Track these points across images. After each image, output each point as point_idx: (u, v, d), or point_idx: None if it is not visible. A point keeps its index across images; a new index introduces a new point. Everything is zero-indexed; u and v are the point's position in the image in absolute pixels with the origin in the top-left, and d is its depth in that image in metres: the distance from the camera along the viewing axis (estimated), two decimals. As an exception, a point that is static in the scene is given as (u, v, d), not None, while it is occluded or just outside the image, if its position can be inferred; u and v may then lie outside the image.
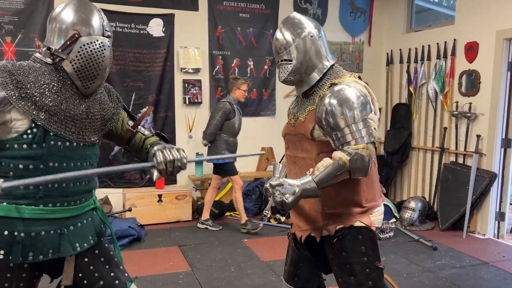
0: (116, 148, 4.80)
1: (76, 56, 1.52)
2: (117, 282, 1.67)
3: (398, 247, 4.09)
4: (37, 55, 1.56)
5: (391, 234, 4.32)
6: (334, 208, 1.75)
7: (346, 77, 1.75)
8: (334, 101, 1.66)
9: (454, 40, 4.77)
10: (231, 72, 5.23)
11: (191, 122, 5.10)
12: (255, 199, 5.02)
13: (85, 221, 1.63)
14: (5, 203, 1.46)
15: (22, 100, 1.45)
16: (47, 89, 1.50)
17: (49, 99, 1.49)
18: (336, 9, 5.64)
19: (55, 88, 1.51)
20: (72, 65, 1.52)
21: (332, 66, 1.79)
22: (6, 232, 1.45)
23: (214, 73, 5.17)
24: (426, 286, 3.25)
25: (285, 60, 1.76)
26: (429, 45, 5.12)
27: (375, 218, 1.78)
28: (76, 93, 1.56)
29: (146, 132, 1.81)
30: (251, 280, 3.28)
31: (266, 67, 5.38)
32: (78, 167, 1.57)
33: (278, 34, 1.78)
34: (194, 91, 5.08)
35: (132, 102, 4.80)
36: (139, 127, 1.80)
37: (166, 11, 4.87)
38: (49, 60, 1.53)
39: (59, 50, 1.51)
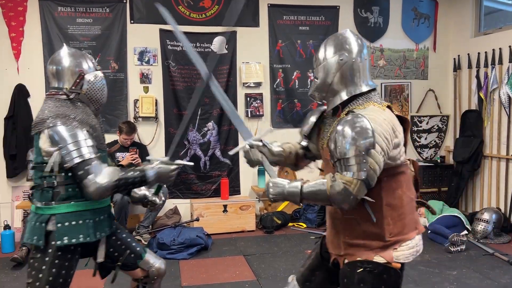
0: (184, 161, 5.05)
1: (87, 88, 2.05)
2: (138, 249, 2.25)
3: (470, 261, 3.90)
4: (60, 96, 2.05)
5: (463, 247, 4.12)
6: (354, 239, 1.71)
7: (369, 105, 1.66)
8: (340, 128, 1.59)
9: (529, 41, 4.50)
10: (292, 85, 5.31)
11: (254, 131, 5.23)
12: (317, 210, 5.01)
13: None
14: (72, 202, 1.96)
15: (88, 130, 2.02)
16: (88, 118, 2.04)
17: (93, 123, 2.05)
18: (398, 17, 5.54)
19: (89, 114, 2.06)
20: (87, 95, 2.06)
21: (365, 92, 1.70)
22: (80, 221, 1.96)
23: (275, 86, 5.28)
24: (502, 304, 3.08)
25: (315, 77, 1.79)
26: (500, 48, 4.86)
27: (401, 253, 1.68)
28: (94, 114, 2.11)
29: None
30: (315, 291, 3.29)
31: (326, 78, 5.39)
32: None
33: (318, 51, 1.79)
34: (256, 105, 5.21)
35: (198, 117, 5.04)
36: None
37: (228, 29, 5.07)
38: (71, 96, 2.03)
39: (73, 88, 2.04)
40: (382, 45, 5.53)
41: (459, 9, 5.52)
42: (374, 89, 1.74)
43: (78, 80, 2.05)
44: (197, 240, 4.14)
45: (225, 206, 4.82)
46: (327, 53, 1.73)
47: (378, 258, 1.67)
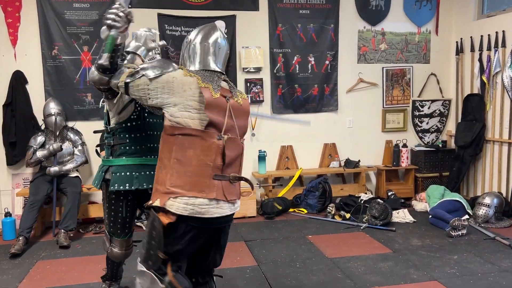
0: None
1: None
2: None
3: (471, 245, 3.90)
4: None
5: (464, 231, 4.12)
6: (155, 184, 2.01)
7: (183, 69, 2.04)
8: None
9: (533, 23, 4.42)
10: (292, 69, 5.25)
11: (253, 121, 5.20)
12: (318, 196, 5.01)
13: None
14: (124, 158, 2.42)
15: None
16: None
17: None
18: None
19: None
20: None
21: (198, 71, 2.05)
22: (128, 173, 2.41)
23: (275, 71, 5.22)
24: (503, 287, 3.07)
25: None
26: (503, 31, 4.79)
27: (175, 203, 1.90)
28: None
29: None
30: (316, 277, 3.30)
31: (327, 62, 5.34)
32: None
33: None
34: (256, 90, 5.17)
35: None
36: None
37: (227, 13, 5.00)
38: None
39: None
40: (383, 28, 5.45)
41: (462, -9, 5.43)
42: (205, 70, 2.04)
43: None
44: (198, 226, 4.14)
45: (225, 192, 4.80)
46: (191, 33, 2.14)
47: (157, 202, 1.95)
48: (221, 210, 1.96)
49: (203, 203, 1.91)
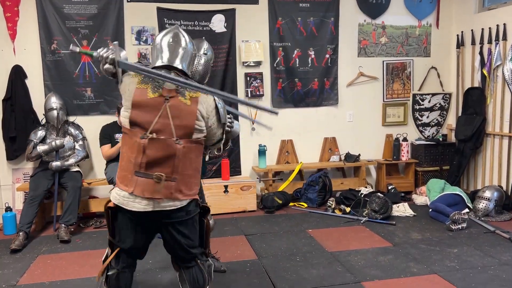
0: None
1: None
2: None
3: (471, 238, 3.90)
4: None
5: (464, 225, 4.12)
6: None
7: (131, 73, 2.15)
8: None
9: (534, 16, 4.40)
10: (292, 63, 5.23)
11: (253, 115, 5.18)
12: (318, 190, 5.01)
13: None
14: None
15: None
16: None
17: None
18: (401, -8, 5.43)
19: None
20: None
21: (154, 67, 2.17)
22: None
23: (275, 65, 5.20)
24: (503, 280, 3.08)
25: None
26: (504, 24, 4.76)
27: (113, 193, 2.12)
28: None
29: None
30: (316, 270, 3.31)
31: (327, 56, 5.32)
32: None
33: None
34: (256, 84, 5.15)
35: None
36: None
37: (227, 7, 4.98)
38: None
39: None
40: (384, 22, 5.43)
41: (463, -16, 5.40)
42: (163, 66, 2.15)
43: None
44: (198, 221, 4.14)
45: (226, 186, 4.81)
46: (157, 37, 2.27)
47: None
48: (139, 205, 2.05)
49: (125, 196, 2.07)
